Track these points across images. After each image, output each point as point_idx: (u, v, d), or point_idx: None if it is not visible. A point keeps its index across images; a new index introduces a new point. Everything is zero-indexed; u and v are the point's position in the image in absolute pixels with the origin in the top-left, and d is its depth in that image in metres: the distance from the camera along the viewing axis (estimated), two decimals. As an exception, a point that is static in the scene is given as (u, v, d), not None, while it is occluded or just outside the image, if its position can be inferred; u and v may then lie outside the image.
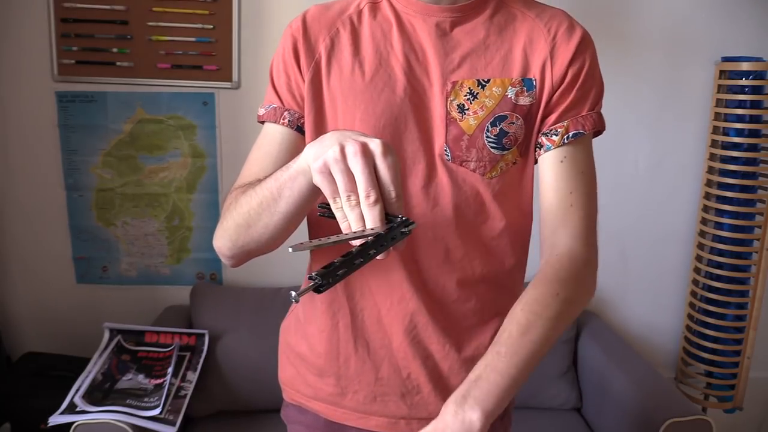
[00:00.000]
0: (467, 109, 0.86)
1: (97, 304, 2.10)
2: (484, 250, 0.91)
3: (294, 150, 0.91)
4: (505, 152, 0.87)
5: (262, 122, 0.95)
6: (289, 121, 0.91)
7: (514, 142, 0.87)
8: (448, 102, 0.86)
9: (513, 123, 0.87)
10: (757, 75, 1.93)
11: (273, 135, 0.92)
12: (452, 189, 0.87)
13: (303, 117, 0.90)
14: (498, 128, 0.86)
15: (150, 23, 1.93)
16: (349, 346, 0.94)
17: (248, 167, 0.93)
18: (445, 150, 0.87)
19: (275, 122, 0.91)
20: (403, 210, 0.67)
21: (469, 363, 0.94)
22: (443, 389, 0.95)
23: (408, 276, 0.90)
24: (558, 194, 0.88)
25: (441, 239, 0.89)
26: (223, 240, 0.88)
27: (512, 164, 0.89)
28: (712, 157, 2.05)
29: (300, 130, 0.91)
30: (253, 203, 0.80)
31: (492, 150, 0.87)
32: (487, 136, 0.86)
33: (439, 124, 0.86)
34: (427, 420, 0.94)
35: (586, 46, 0.88)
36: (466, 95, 0.86)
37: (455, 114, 0.86)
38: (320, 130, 0.88)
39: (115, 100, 1.98)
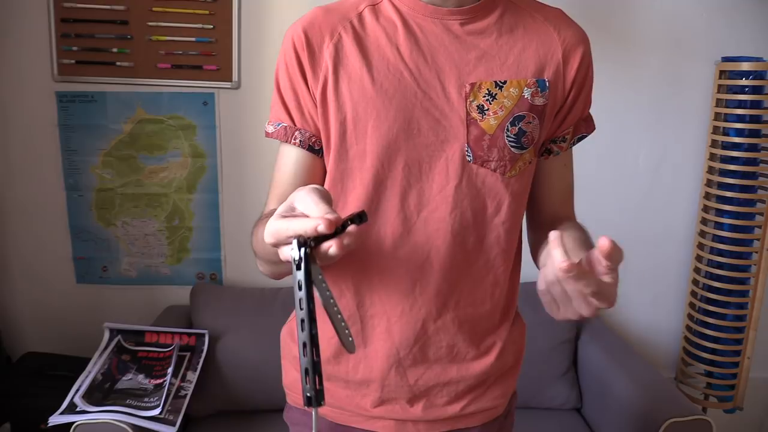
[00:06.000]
0: (487, 110, 0.86)
1: (97, 304, 2.10)
2: (500, 251, 0.92)
3: (310, 170, 0.91)
4: (523, 151, 0.88)
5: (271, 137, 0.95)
6: (300, 141, 0.90)
7: (531, 142, 0.89)
8: (468, 103, 0.86)
9: (530, 123, 0.88)
10: (757, 75, 1.93)
11: (288, 156, 0.92)
12: (471, 190, 0.88)
13: (314, 136, 0.90)
14: (517, 128, 0.87)
15: (150, 23, 1.93)
16: (358, 352, 0.94)
17: (272, 190, 0.94)
18: (467, 151, 0.87)
19: (286, 142, 0.91)
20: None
21: (479, 367, 0.95)
22: (451, 394, 0.95)
23: (422, 283, 0.90)
24: (561, 192, 0.98)
25: (460, 243, 0.89)
26: (260, 268, 0.90)
27: (528, 164, 0.91)
28: (712, 157, 2.05)
29: (312, 149, 0.90)
30: (259, 250, 0.81)
31: (512, 149, 0.87)
32: (508, 136, 0.87)
33: (457, 126, 0.86)
34: (435, 422, 0.95)
35: (589, 51, 0.92)
36: (484, 96, 0.86)
37: (475, 115, 0.86)
38: (344, 144, 0.88)
39: (115, 100, 1.98)
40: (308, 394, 0.59)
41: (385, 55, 0.86)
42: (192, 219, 2.09)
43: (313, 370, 0.59)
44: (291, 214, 0.63)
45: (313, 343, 0.60)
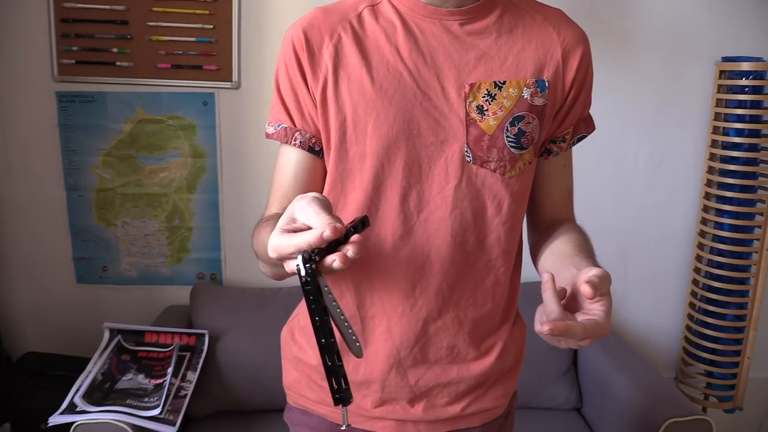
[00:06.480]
0: (486, 110, 0.86)
1: (97, 304, 2.10)
2: (501, 252, 0.92)
3: (310, 171, 0.91)
4: (523, 151, 0.88)
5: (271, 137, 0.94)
6: (300, 142, 0.90)
7: (531, 142, 0.89)
8: (467, 103, 0.86)
9: (530, 123, 0.88)
10: (757, 75, 1.93)
11: (288, 157, 0.92)
12: (471, 191, 0.88)
13: (314, 137, 0.90)
14: (517, 128, 0.87)
15: (150, 23, 1.93)
16: None
17: (273, 191, 0.94)
18: (466, 151, 0.86)
19: (287, 143, 0.91)
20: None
21: (480, 367, 0.95)
22: (452, 394, 0.95)
23: (422, 283, 0.90)
24: (560, 193, 0.98)
25: (460, 243, 0.89)
26: (262, 269, 0.89)
27: (528, 164, 0.91)
28: (712, 157, 2.05)
29: (312, 150, 0.90)
30: (261, 253, 0.81)
31: (512, 149, 0.87)
32: (507, 136, 0.87)
33: (456, 126, 0.86)
34: (435, 423, 0.95)
35: (588, 51, 0.91)
36: (484, 96, 0.86)
37: (475, 115, 0.86)
38: (344, 145, 0.87)
39: (115, 100, 1.98)
40: (337, 396, 0.64)
41: (384, 55, 0.86)
42: (192, 219, 2.09)
43: (337, 374, 0.63)
44: (292, 227, 0.64)
45: (333, 350, 0.63)
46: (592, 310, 0.67)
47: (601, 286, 0.67)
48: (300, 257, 0.61)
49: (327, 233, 0.59)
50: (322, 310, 0.63)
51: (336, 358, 0.63)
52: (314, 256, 0.61)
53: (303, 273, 0.61)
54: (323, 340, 0.63)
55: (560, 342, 0.68)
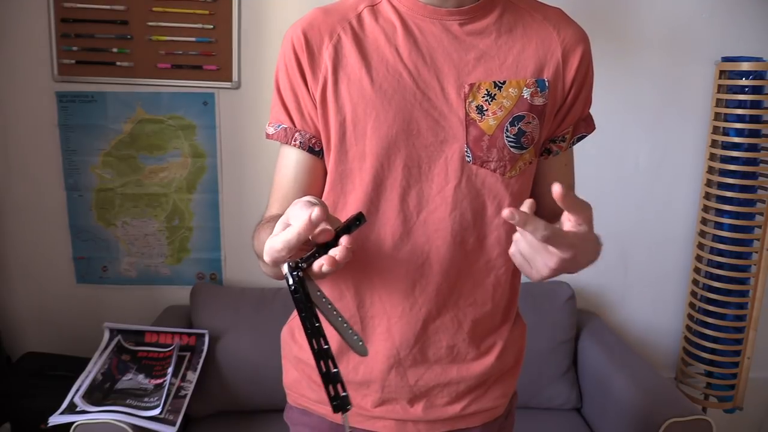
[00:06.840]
0: (486, 110, 0.86)
1: (97, 304, 2.10)
2: (501, 252, 0.92)
3: (311, 172, 0.91)
4: (523, 151, 0.88)
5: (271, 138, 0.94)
6: (300, 143, 0.90)
7: (531, 142, 0.89)
8: (467, 104, 0.86)
9: (530, 123, 0.87)
10: (757, 75, 1.93)
11: (289, 158, 0.92)
12: (471, 191, 0.88)
13: (314, 137, 0.90)
14: (516, 128, 0.87)
15: (150, 23, 1.93)
16: None
17: (273, 192, 0.94)
18: (466, 151, 0.86)
19: (287, 143, 0.91)
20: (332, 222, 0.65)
21: (480, 367, 0.95)
22: (452, 394, 0.95)
23: (422, 283, 0.90)
24: None
25: (460, 243, 0.89)
26: (263, 269, 0.89)
27: (528, 164, 0.91)
28: (712, 157, 2.05)
29: (312, 150, 0.90)
30: (261, 253, 0.80)
31: (512, 149, 0.87)
32: (507, 136, 0.87)
33: (456, 126, 0.86)
34: (435, 423, 0.95)
35: (589, 50, 0.91)
36: (483, 96, 0.86)
37: (474, 115, 0.86)
38: (343, 145, 0.87)
39: (115, 100, 1.98)
40: (335, 402, 0.63)
41: (384, 56, 0.86)
42: (192, 219, 2.09)
43: (334, 380, 0.62)
44: None
45: (327, 356, 0.62)
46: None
47: (579, 207, 0.69)
48: (286, 266, 0.60)
49: (315, 214, 0.59)
50: (313, 317, 0.62)
51: (332, 364, 0.62)
52: (301, 263, 0.60)
53: (290, 281, 0.61)
54: (316, 347, 0.62)
55: (530, 267, 0.71)
